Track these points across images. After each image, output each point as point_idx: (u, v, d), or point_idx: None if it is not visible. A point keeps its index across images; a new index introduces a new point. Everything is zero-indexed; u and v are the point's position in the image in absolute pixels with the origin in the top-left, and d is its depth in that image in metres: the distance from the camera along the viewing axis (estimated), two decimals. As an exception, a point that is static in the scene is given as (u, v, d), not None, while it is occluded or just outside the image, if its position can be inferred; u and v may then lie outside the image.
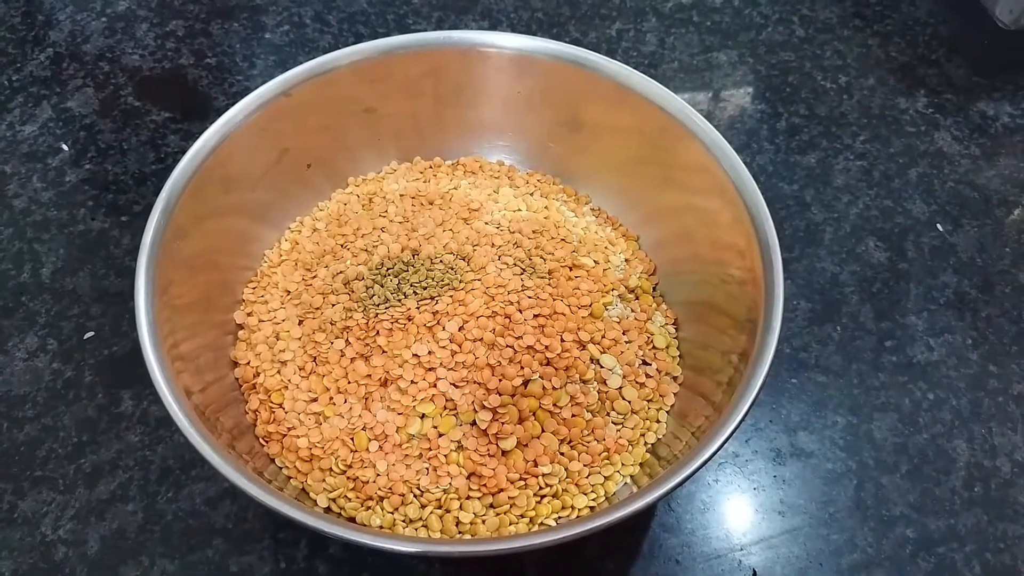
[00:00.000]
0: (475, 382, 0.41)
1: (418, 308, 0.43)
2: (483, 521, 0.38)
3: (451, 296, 0.43)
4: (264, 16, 0.66)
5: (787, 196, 0.57)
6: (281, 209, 0.49)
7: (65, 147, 0.57)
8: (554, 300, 0.44)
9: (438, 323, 0.42)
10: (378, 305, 0.43)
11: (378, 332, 0.42)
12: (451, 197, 0.49)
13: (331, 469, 0.40)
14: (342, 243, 0.47)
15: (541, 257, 0.46)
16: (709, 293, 0.45)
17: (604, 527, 0.32)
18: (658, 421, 0.42)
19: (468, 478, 0.39)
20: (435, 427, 0.40)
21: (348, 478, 0.39)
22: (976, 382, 0.49)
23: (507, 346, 0.42)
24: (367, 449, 0.40)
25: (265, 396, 0.42)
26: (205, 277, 0.43)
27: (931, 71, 0.65)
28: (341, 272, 0.45)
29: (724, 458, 0.46)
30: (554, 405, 0.41)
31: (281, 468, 0.40)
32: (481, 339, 0.42)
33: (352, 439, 0.40)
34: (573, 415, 0.41)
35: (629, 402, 0.42)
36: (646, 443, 0.42)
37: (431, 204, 0.49)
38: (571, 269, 0.46)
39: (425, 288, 0.44)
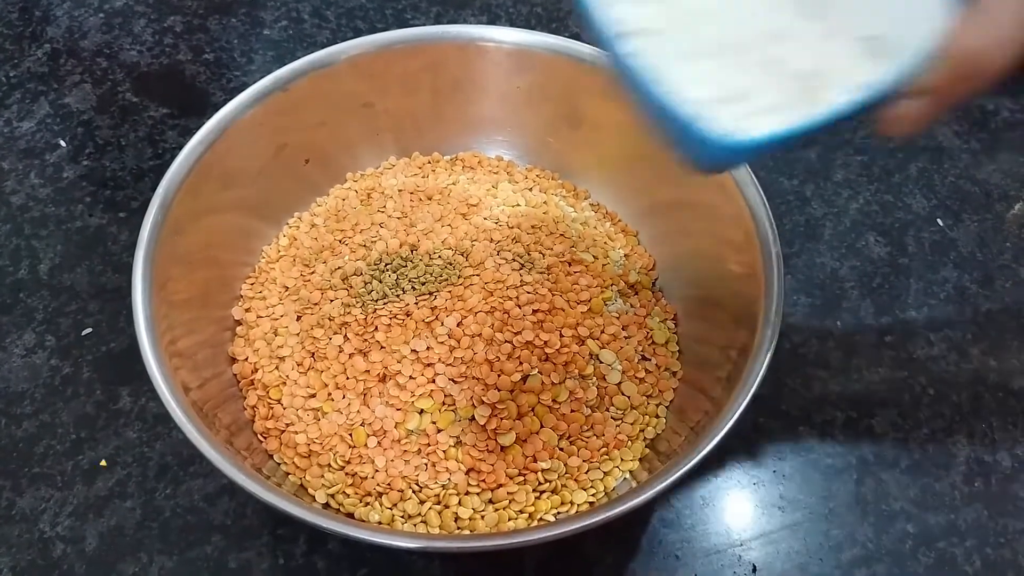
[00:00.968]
0: (474, 377, 0.41)
1: (416, 304, 0.43)
2: (482, 516, 0.38)
3: (449, 292, 0.43)
4: (262, 11, 0.66)
5: (787, 191, 0.57)
6: (279, 205, 0.49)
7: (63, 143, 0.57)
8: (553, 295, 0.44)
9: (436, 319, 0.42)
10: (376, 301, 0.43)
11: (376, 328, 0.42)
12: (450, 192, 0.49)
13: (329, 465, 0.39)
14: (340, 239, 0.47)
15: (540, 252, 0.46)
16: (709, 288, 0.45)
17: (603, 522, 0.32)
18: (657, 416, 0.42)
19: (467, 473, 0.39)
20: (434, 423, 0.40)
21: (347, 474, 0.39)
22: (976, 377, 0.49)
23: (506, 342, 0.41)
24: (365, 445, 0.40)
25: (263, 392, 0.42)
26: (203, 273, 0.43)
27: (931, 65, 0.64)
28: (339, 268, 0.45)
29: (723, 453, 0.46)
30: (553, 400, 0.41)
31: (279, 464, 0.40)
32: (480, 335, 0.42)
33: (350, 435, 0.40)
34: (572, 410, 0.41)
35: (628, 397, 0.42)
36: (645, 438, 0.42)
37: (429, 199, 0.49)
38: (570, 264, 0.46)
39: (423, 284, 0.44)
